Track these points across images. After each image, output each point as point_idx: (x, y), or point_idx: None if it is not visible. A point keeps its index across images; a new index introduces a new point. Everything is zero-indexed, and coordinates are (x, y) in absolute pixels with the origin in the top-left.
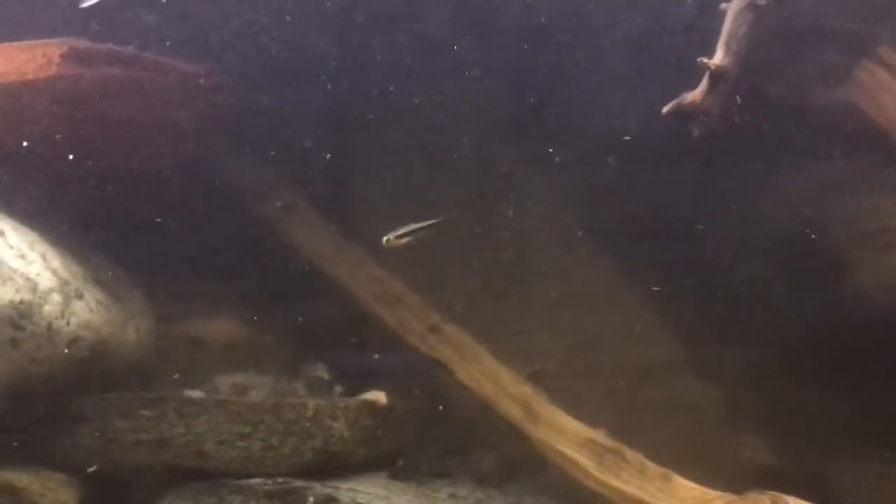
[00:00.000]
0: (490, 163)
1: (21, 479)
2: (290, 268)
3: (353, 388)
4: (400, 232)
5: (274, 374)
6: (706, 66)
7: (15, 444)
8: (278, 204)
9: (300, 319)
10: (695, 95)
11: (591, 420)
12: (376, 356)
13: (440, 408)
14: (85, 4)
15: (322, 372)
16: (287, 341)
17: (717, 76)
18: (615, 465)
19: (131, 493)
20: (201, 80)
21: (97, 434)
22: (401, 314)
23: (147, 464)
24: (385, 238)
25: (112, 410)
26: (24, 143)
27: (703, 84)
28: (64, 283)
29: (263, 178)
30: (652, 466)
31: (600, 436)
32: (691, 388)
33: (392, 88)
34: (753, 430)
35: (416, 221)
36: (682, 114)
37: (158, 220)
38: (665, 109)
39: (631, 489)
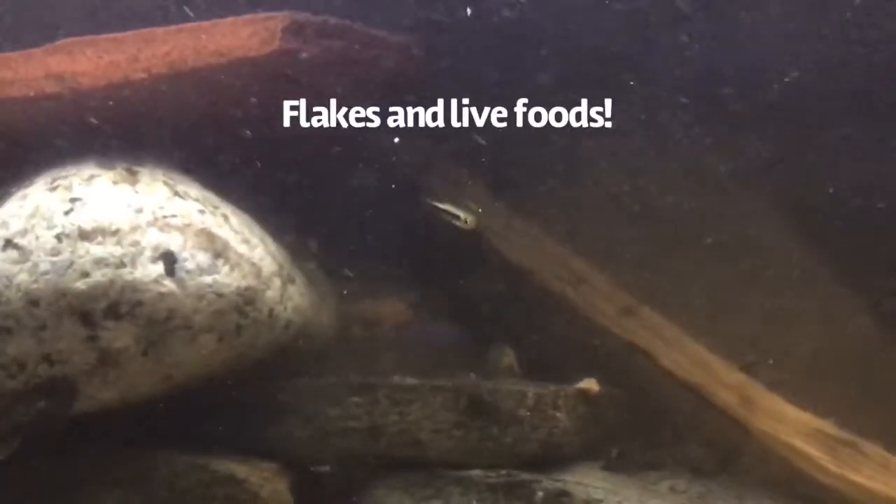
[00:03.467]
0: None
1: (240, 469)
2: (461, 247)
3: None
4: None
5: None
6: None
7: (227, 431)
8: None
9: (476, 301)
10: None
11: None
12: None
13: (644, 396)
14: None
15: (511, 357)
16: (463, 324)
17: None
18: (852, 459)
19: (340, 481)
20: (410, 53)
21: (306, 422)
22: (588, 295)
23: (359, 452)
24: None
25: (321, 397)
26: (245, 123)
27: None
28: (281, 267)
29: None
30: None
31: (829, 426)
32: None
33: None
34: None
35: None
36: None
37: (344, 198)
38: None
39: (877, 486)
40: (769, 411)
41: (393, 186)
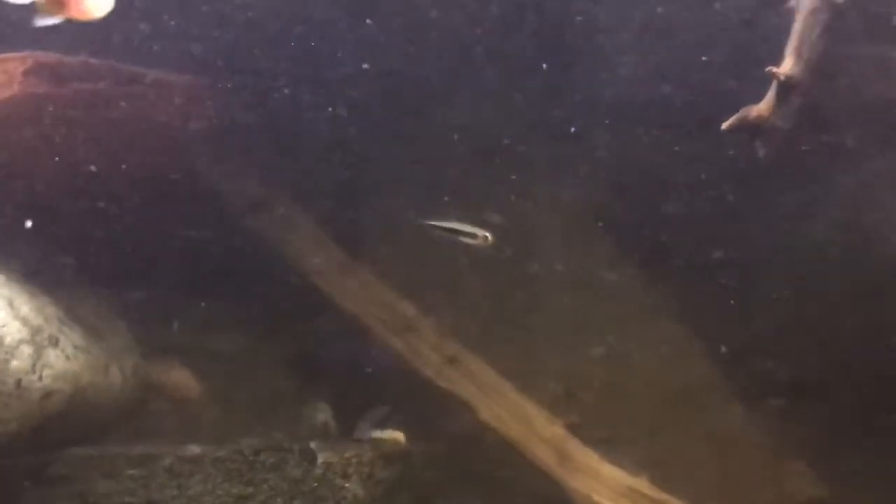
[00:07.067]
0: None
1: None
2: (287, 289)
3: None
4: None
5: None
6: (775, 76)
7: None
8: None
9: (297, 349)
10: (761, 109)
11: (622, 451)
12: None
13: (462, 452)
14: (41, 23)
15: (326, 414)
16: (284, 374)
17: (788, 87)
18: None
19: None
20: (189, 93)
21: (77, 497)
22: (414, 343)
23: None
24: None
25: (93, 469)
26: None
27: (771, 95)
28: (35, 332)
29: (255, 193)
30: None
31: (642, 484)
32: (729, 413)
33: None
34: (799, 457)
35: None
36: (746, 130)
37: (138, 244)
38: (725, 125)
39: None
40: (585, 468)
41: (218, 228)
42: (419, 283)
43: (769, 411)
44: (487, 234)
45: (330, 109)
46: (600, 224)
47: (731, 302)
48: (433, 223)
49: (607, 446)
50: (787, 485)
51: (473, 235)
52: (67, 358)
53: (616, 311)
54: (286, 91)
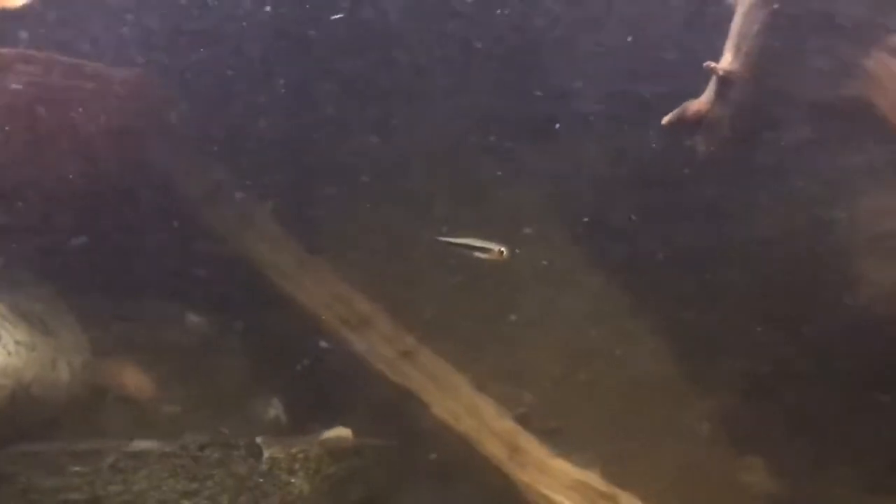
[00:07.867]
0: None
1: None
2: (242, 284)
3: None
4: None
5: None
6: (714, 71)
7: None
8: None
9: (252, 343)
10: (700, 104)
11: (582, 446)
12: None
13: (414, 447)
14: None
15: (277, 409)
16: (238, 368)
17: (727, 82)
18: None
19: None
20: (130, 87)
21: (20, 494)
22: (369, 338)
23: None
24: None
25: (37, 466)
26: None
27: (710, 91)
28: None
29: (202, 186)
30: None
31: (593, 478)
32: (687, 407)
33: None
34: (754, 451)
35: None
36: (685, 126)
37: (86, 237)
38: (665, 120)
39: None
40: (534, 462)
41: (167, 222)
42: (374, 278)
43: (724, 405)
44: (503, 249)
45: (281, 99)
46: (553, 219)
47: (685, 297)
48: (446, 239)
49: (559, 440)
50: (742, 479)
51: (487, 250)
52: (9, 353)
53: (572, 304)
54: (233, 82)
